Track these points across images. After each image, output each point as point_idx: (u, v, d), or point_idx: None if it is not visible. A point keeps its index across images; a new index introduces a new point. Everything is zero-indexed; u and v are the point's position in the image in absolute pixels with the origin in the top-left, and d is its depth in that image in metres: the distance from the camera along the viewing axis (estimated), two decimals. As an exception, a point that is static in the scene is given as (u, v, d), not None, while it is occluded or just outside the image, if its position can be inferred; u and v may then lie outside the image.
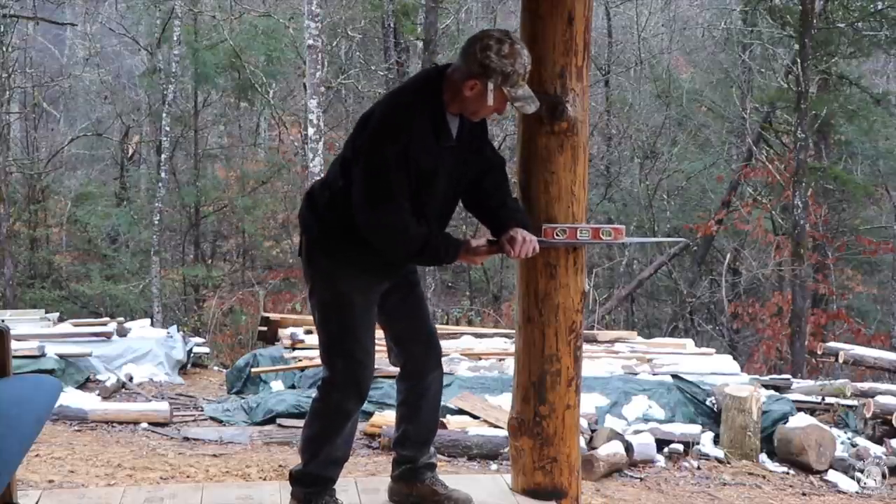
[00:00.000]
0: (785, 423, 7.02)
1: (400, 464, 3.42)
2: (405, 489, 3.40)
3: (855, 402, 7.68)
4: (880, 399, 7.39)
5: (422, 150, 2.95)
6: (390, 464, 3.51)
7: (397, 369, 3.38)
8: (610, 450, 6.28)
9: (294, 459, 3.39)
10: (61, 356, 8.59)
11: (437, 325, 12.11)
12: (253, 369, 8.56)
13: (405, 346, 3.30)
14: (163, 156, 17.40)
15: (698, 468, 6.57)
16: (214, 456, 6.07)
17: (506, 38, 2.96)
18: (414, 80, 3.17)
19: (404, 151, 2.91)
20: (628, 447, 6.43)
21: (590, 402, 7.01)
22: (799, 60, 13.82)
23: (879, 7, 15.36)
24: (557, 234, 3.31)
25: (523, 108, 2.99)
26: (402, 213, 2.95)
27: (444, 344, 8.87)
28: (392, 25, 17.10)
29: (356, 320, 3.13)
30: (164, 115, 17.31)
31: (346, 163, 3.06)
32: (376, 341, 3.25)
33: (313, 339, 8.58)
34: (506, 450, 5.55)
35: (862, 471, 6.63)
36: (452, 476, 4.93)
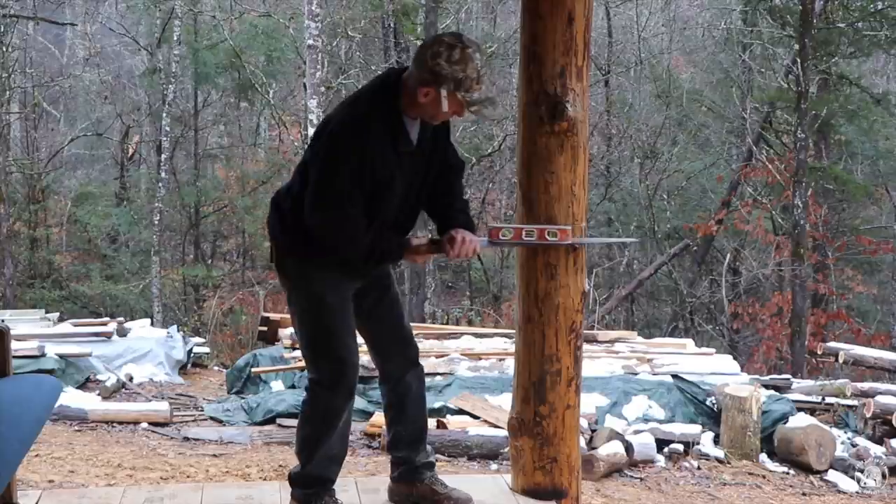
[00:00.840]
0: (785, 423, 7.02)
1: (398, 465, 3.43)
2: (405, 489, 3.41)
3: (855, 402, 7.68)
4: (880, 399, 7.39)
5: (378, 158, 2.98)
6: (390, 464, 3.51)
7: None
8: (610, 450, 6.28)
9: (294, 460, 3.39)
10: (61, 356, 8.59)
11: (437, 325, 12.15)
12: (253, 369, 8.56)
13: (381, 347, 3.35)
14: (163, 156, 17.41)
15: (698, 468, 6.57)
16: (214, 456, 6.07)
17: (457, 42, 2.94)
18: (371, 85, 3.14)
19: (359, 160, 2.94)
20: (628, 447, 6.43)
21: (590, 402, 7.01)
22: (799, 60, 13.82)
23: (879, 7, 15.36)
24: (503, 235, 3.33)
25: (480, 112, 2.99)
26: (350, 220, 2.98)
27: (444, 344, 8.93)
28: (392, 25, 17.10)
29: (334, 319, 3.16)
30: (164, 115, 17.32)
31: (304, 168, 3.11)
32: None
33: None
34: (506, 450, 5.55)
35: (862, 471, 6.63)
36: (452, 476, 4.92)
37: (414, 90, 2.98)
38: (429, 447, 3.46)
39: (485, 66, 2.97)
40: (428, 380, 7.55)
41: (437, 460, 6.10)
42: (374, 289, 3.27)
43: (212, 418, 7.45)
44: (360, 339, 3.34)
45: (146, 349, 9.63)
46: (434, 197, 3.26)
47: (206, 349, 12.20)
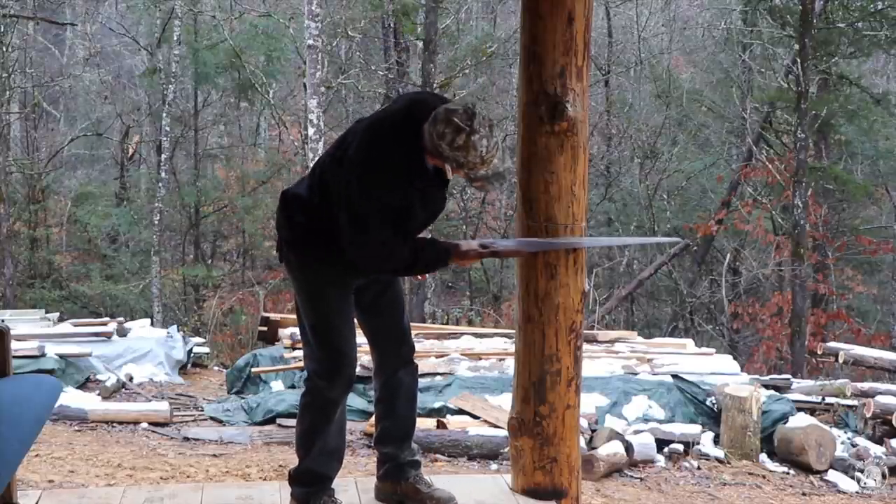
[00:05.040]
0: (785, 423, 7.02)
1: (384, 462, 3.45)
2: (389, 488, 3.43)
3: (855, 402, 7.68)
4: (880, 399, 7.39)
5: (399, 191, 3.01)
6: (376, 461, 3.53)
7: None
8: (610, 450, 6.28)
9: (294, 460, 3.40)
10: (61, 356, 8.59)
11: (437, 325, 12.14)
12: (253, 369, 8.56)
13: (377, 342, 3.39)
14: (163, 156, 17.40)
15: (698, 468, 6.57)
16: (214, 456, 6.07)
17: (465, 125, 2.91)
18: (394, 117, 3.12)
19: (387, 194, 2.99)
20: (628, 447, 6.43)
21: (590, 402, 7.01)
22: (799, 60, 13.82)
23: (879, 7, 15.36)
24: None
25: (483, 188, 3.03)
26: (386, 246, 3.03)
27: (444, 344, 8.93)
28: (392, 25, 17.09)
29: (333, 311, 3.21)
30: (164, 115, 17.32)
31: (324, 175, 3.15)
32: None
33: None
34: (506, 450, 5.55)
35: (862, 471, 6.63)
36: (452, 476, 4.93)
37: (425, 149, 3.02)
38: (415, 446, 3.48)
39: (493, 148, 2.93)
40: (428, 380, 7.58)
41: (427, 459, 6.14)
42: (375, 283, 3.31)
43: (212, 418, 7.45)
44: (361, 339, 3.36)
45: (146, 349, 9.63)
46: None
47: (206, 349, 12.20)
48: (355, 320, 3.33)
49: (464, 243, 3.22)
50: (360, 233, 3.00)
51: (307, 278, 3.23)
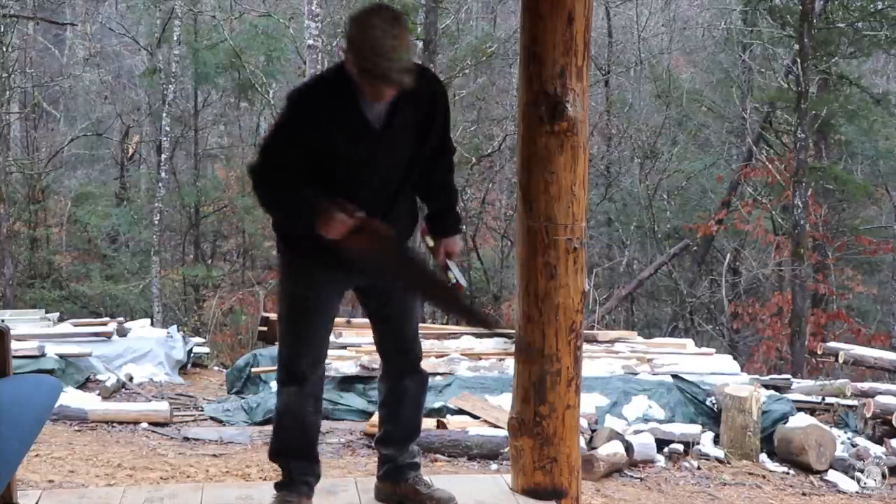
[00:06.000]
0: (785, 423, 7.02)
1: (384, 463, 3.43)
2: (389, 489, 3.42)
3: (855, 402, 7.68)
4: (880, 399, 7.39)
5: (336, 133, 2.93)
6: (377, 460, 3.51)
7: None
8: (610, 450, 6.28)
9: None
10: (61, 356, 8.59)
11: (437, 325, 12.13)
12: (253, 369, 8.56)
13: (384, 348, 3.36)
14: (163, 156, 17.40)
15: (698, 468, 6.57)
16: (214, 456, 6.08)
17: (366, 21, 2.82)
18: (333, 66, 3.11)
19: (301, 125, 2.93)
20: (628, 447, 6.43)
21: (590, 402, 7.01)
22: (799, 60, 13.82)
23: (879, 7, 15.36)
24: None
25: (395, 83, 2.83)
26: (274, 172, 2.96)
27: (444, 344, 8.92)
28: (392, 25, 17.07)
29: (298, 311, 3.16)
30: (164, 115, 17.31)
31: None
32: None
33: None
34: (506, 450, 5.55)
35: (862, 471, 6.63)
36: (452, 476, 4.93)
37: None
38: (415, 448, 3.43)
39: (398, 40, 2.79)
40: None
41: (427, 459, 6.14)
42: (378, 290, 3.26)
43: (212, 418, 7.46)
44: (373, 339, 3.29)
45: (146, 349, 9.63)
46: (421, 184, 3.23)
47: (206, 349, 12.20)
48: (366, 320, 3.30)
49: (340, 216, 2.91)
50: (258, 151, 3.05)
51: (283, 276, 3.22)
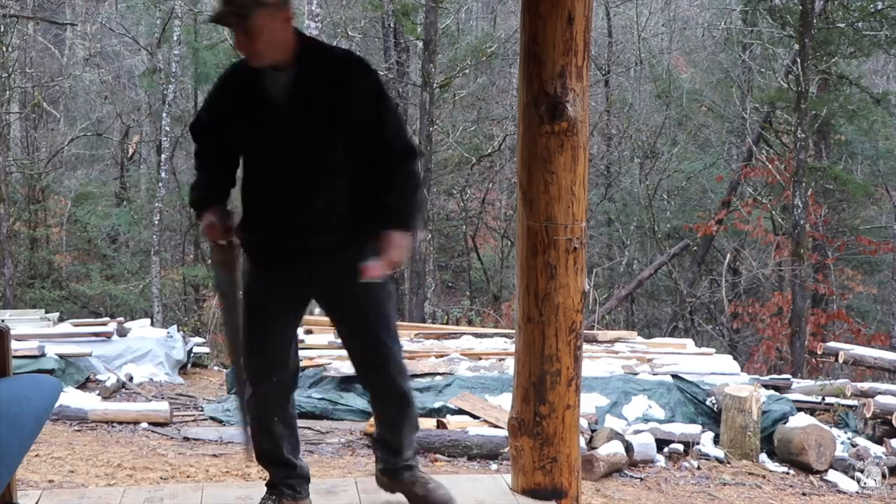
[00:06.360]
0: (785, 423, 7.02)
1: (378, 462, 3.41)
2: (387, 484, 3.40)
3: (855, 402, 7.68)
4: (880, 399, 7.39)
5: (241, 106, 3.00)
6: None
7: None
8: (610, 450, 6.28)
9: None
10: (61, 356, 8.59)
11: (437, 325, 12.13)
12: (253, 369, 8.53)
13: (354, 364, 3.30)
14: (163, 156, 17.40)
15: (698, 468, 6.57)
16: (214, 456, 6.08)
17: None
18: None
19: (215, 96, 3.14)
20: (628, 447, 6.43)
21: (590, 402, 7.01)
22: (799, 60, 13.82)
23: (879, 7, 15.35)
24: None
25: (239, 25, 2.85)
26: (196, 143, 3.22)
27: (444, 344, 8.92)
28: (392, 25, 17.10)
29: (244, 315, 3.12)
30: (164, 115, 17.31)
31: None
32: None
33: (312, 339, 8.58)
34: (506, 450, 5.55)
35: (862, 471, 6.63)
36: (452, 476, 4.93)
37: None
38: (409, 453, 3.34)
39: None
40: (428, 380, 7.58)
41: (427, 459, 6.14)
42: (333, 304, 3.17)
43: (212, 418, 7.45)
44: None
45: (146, 349, 9.63)
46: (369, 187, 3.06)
47: (206, 349, 12.19)
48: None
49: (208, 218, 3.06)
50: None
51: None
